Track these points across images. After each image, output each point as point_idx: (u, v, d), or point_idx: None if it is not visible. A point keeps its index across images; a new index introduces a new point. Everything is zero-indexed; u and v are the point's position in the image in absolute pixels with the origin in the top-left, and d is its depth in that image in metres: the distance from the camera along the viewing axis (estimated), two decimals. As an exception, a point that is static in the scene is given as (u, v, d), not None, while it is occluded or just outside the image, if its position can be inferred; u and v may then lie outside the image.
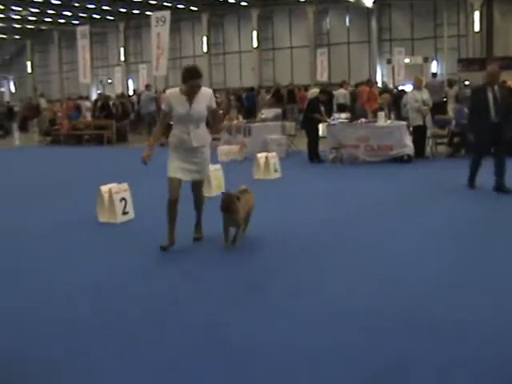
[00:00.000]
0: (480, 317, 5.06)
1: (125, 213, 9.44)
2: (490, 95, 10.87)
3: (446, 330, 4.83)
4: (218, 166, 11.88)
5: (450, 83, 27.26)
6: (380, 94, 22.83)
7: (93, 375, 4.30)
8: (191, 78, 7.17)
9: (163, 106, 7.51)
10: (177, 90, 7.43)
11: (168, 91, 7.69)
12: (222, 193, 7.65)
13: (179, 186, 7.42)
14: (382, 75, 49.33)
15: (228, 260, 7.09)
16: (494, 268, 6.48)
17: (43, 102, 37.01)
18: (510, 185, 10.65)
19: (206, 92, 7.44)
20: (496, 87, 11.00)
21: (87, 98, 36.13)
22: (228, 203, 7.35)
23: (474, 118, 11.26)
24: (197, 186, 7.74)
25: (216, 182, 11.49)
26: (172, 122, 7.55)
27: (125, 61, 62.17)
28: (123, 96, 33.59)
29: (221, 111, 24.92)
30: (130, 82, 59.01)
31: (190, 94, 7.22)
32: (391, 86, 35.44)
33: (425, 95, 16.10)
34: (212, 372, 4.23)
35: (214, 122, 7.88)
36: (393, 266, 6.68)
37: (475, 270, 6.47)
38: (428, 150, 16.67)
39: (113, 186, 9.39)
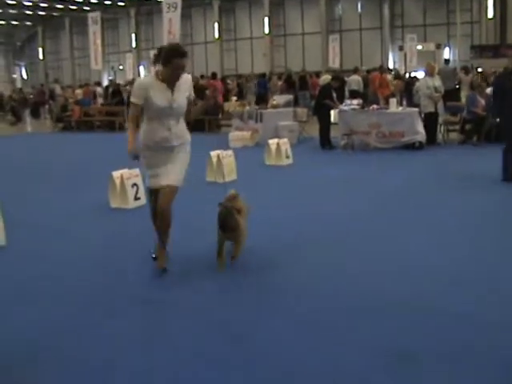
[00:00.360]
0: (483, 310, 5.06)
1: (137, 198, 9.46)
2: None
3: (449, 322, 4.82)
4: (229, 152, 11.87)
5: (466, 70, 27.05)
6: (394, 80, 22.79)
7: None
8: (175, 57, 5.69)
9: (134, 99, 5.87)
10: (151, 77, 5.95)
11: (139, 79, 6.21)
12: (220, 206, 6.13)
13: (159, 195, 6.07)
14: (394, 62, 49.13)
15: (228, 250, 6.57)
16: (501, 263, 6.35)
17: (58, 89, 37.05)
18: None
19: (186, 79, 6.00)
20: None
21: (99, 84, 36.16)
22: (227, 220, 6.02)
23: (497, 105, 10.97)
24: (167, 195, 5.98)
25: (228, 168, 11.51)
26: (144, 116, 6.01)
27: (136, 47, 62.19)
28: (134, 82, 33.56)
29: (234, 97, 24.96)
30: (142, 68, 59.00)
31: (172, 80, 5.80)
32: (402, 72, 35.27)
33: (437, 82, 16.04)
34: (216, 371, 4.17)
35: (187, 114, 6.19)
36: (398, 258, 6.59)
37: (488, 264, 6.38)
38: (440, 136, 16.64)
39: (124, 171, 9.42)
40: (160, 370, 4.13)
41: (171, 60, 5.69)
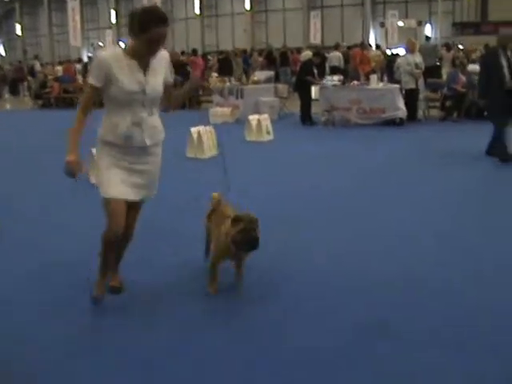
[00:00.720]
0: (471, 293, 5.02)
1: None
2: (502, 59, 10.30)
3: (437, 305, 4.79)
4: (210, 128, 11.82)
5: (448, 47, 27.05)
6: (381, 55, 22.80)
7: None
8: (154, 23, 4.22)
9: (92, 79, 4.34)
10: (117, 50, 4.47)
11: (101, 53, 4.48)
12: (242, 220, 4.77)
13: (125, 212, 4.56)
14: (376, 38, 49.03)
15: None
16: (485, 242, 6.29)
17: (38, 65, 36.65)
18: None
19: (163, 56, 4.53)
20: (509, 51, 10.42)
21: (80, 60, 35.81)
22: (258, 238, 4.77)
23: (486, 84, 10.62)
24: (136, 209, 4.78)
25: (209, 144, 11.46)
26: (105, 105, 4.53)
27: (116, 23, 61.51)
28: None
29: (215, 74, 24.80)
30: (122, 45, 58.30)
31: (146, 55, 4.36)
32: (384, 48, 35.24)
33: (417, 58, 16.05)
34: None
35: (168, 102, 4.77)
36: (382, 236, 6.54)
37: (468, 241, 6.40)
38: (420, 113, 16.66)
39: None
40: (158, 370, 3.91)
41: (148, 28, 4.18)
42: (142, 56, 4.36)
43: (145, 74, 4.38)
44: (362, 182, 9.23)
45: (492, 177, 9.59)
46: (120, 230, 4.51)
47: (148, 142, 4.51)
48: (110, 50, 4.56)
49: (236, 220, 4.77)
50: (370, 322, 4.45)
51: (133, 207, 4.65)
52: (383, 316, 4.54)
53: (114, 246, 4.64)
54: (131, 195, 4.54)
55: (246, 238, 4.69)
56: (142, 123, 4.44)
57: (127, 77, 4.31)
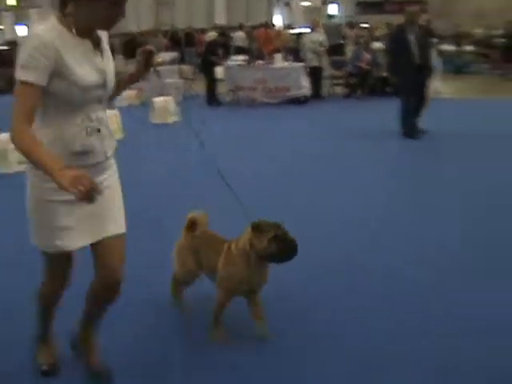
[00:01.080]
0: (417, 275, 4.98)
1: (21, 162, 9.09)
2: (410, 37, 10.34)
3: (383, 289, 4.75)
4: (115, 111, 11.62)
5: (351, 25, 27.50)
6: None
7: None
8: None
9: (29, 73, 2.72)
10: (55, 25, 2.83)
11: (43, 32, 2.78)
12: (278, 228, 3.65)
13: (72, 266, 3.39)
14: (283, 19, 49.24)
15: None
16: (419, 221, 6.34)
17: None
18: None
19: (103, 32, 3.08)
20: (416, 28, 10.46)
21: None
22: (297, 245, 3.65)
23: (395, 61, 10.70)
24: (119, 248, 3.28)
25: (114, 127, 11.26)
26: (44, 109, 2.91)
27: (16, 5, 59.52)
28: (16, 43, 32.17)
29: (120, 55, 24.32)
30: (23, 28, 56.50)
31: (99, 29, 2.99)
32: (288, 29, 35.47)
33: (321, 37, 16.29)
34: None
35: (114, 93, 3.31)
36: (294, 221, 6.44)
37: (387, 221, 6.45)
38: (325, 90, 16.88)
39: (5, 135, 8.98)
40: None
41: None
42: (91, 31, 2.95)
43: (102, 56, 3.02)
44: (268, 161, 9.30)
45: (402, 148, 9.90)
46: (66, 283, 3.41)
47: (109, 152, 3.19)
48: (47, 25, 2.85)
49: (258, 228, 3.65)
50: (311, 308, 4.44)
51: (110, 246, 3.23)
52: (328, 301, 4.54)
53: (57, 300, 3.46)
54: (88, 239, 3.15)
55: (283, 246, 3.61)
56: (101, 128, 3.08)
57: (82, 65, 2.88)
